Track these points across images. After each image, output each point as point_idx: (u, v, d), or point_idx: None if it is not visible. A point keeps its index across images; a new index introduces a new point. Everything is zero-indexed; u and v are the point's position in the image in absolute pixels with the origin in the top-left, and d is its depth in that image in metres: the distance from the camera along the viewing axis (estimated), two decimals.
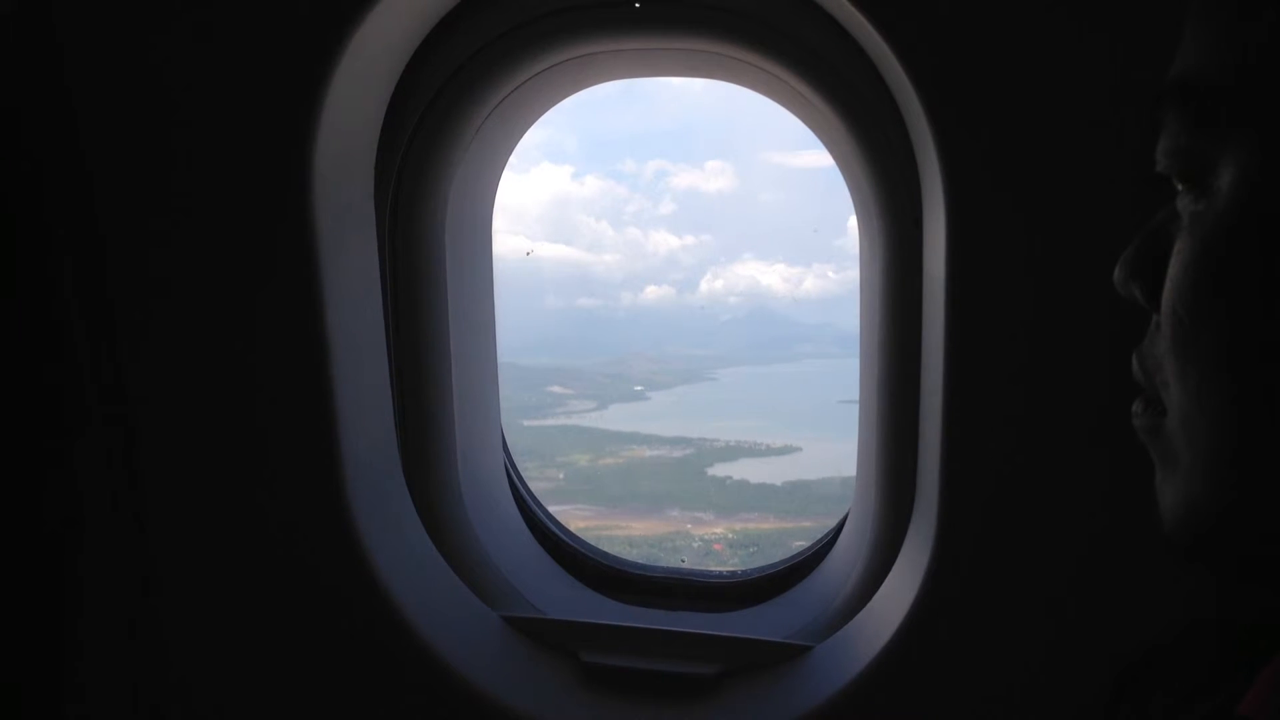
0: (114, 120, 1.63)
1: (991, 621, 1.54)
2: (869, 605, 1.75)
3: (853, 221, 1.88)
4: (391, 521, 1.81)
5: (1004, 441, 1.48)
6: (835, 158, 1.81)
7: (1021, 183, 1.40)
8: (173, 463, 1.75)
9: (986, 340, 1.46)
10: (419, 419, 1.94)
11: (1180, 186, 0.64)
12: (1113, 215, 1.33)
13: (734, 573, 2.07)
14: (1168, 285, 0.63)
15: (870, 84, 1.60)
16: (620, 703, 1.79)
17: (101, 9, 1.59)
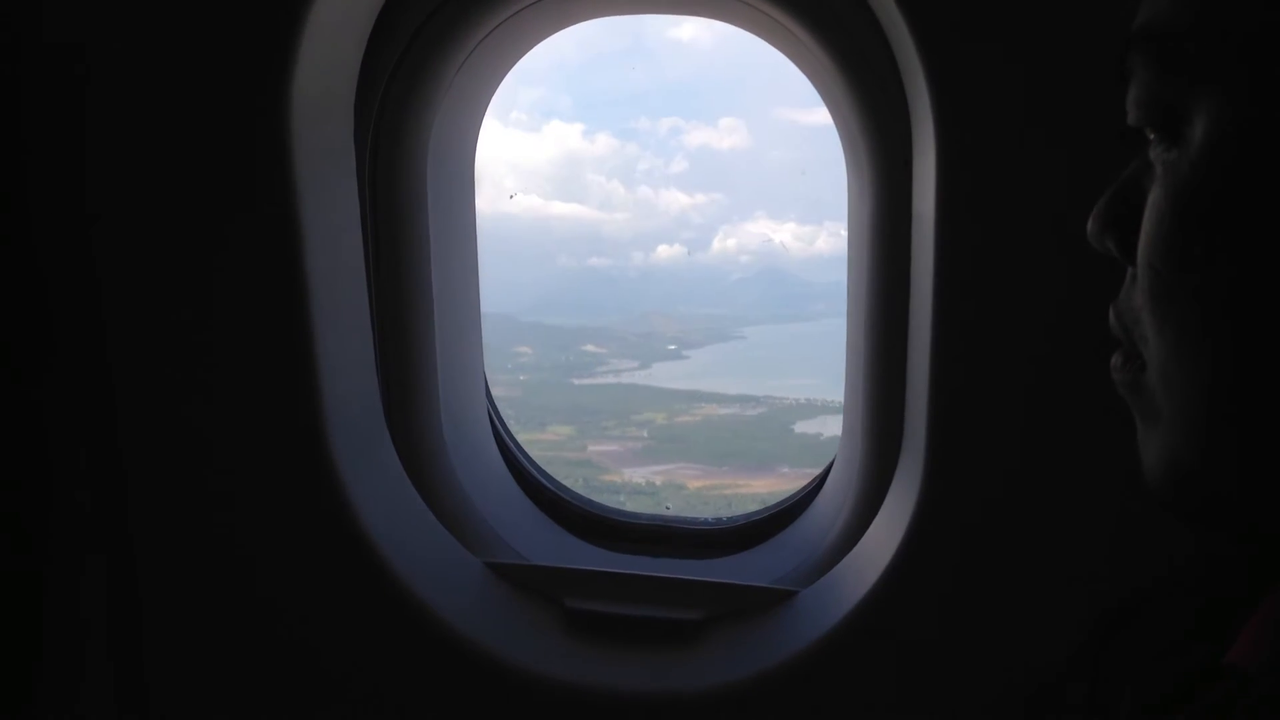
0: (82, 50, 1.58)
1: (978, 564, 1.55)
2: (854, 549, 1.76)
3: None
4: (374, 468, 1.79)
5: (992, 383, 1.48)
6: (824, 98, 1.78)
7: (1014, 124, 1.38)
8: (150, 415, 1.72)
9: (975, 282, 1.44)
10: (401, 365, 1.92)
11: (1151, 136, 0.63)
12: (1106, 158, 1.31)
13: (719, 519, 2.07)
14: (1142, 237, 0.62)
15: (862, 23, 1.57)
16: (604, 648, 1.79)
17: None
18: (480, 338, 2.17)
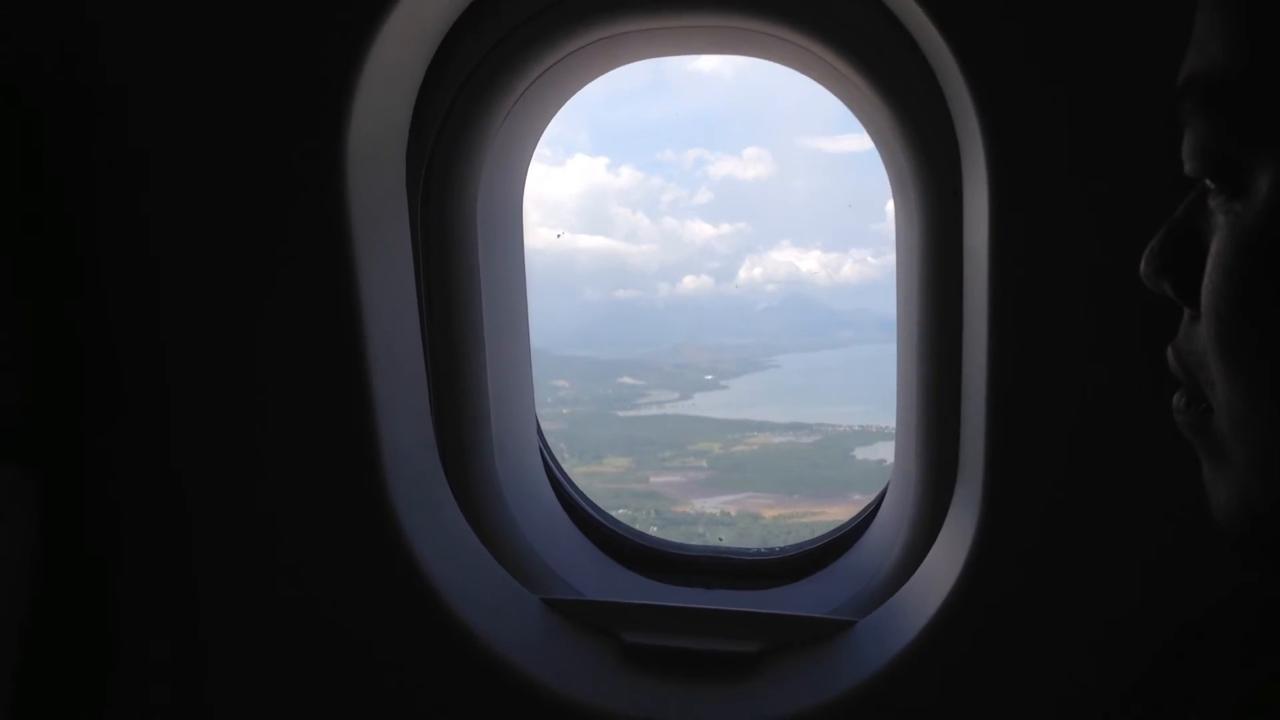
0: (142, 111, 1.63)
1: (1040, 592, 1.54)
2: (913, 578, 1.75)
3: (890, 205, 1.87)
4: (430, 508, 1.81)
5: (1049, 410, 1.48)
6: (869, 130, 1.80)
7: (1066, 150, 1.39)
8: (211, 457, 1.76)
9: (1030, 310, 1.45)
10: (455, 405, 1.94)
11: (1212, 186, 0.63)
12: (1162, 183, 1.32)
13: (772, 549, 2.07)
14: (1207, 286, 0.62)
15: (904, 53, 1.59)
16: (662, 682, 1.79)
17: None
18: (530, 376, 2.20)
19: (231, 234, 1.65)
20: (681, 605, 1.87)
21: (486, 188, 1.90)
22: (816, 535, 2.06)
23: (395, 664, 1.77)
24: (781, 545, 2.06)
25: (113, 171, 1.67)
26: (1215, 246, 0.62)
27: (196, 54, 1.59)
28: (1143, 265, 0.70)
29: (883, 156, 1.80)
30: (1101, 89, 1.36)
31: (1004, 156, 1.40)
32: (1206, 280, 0.63)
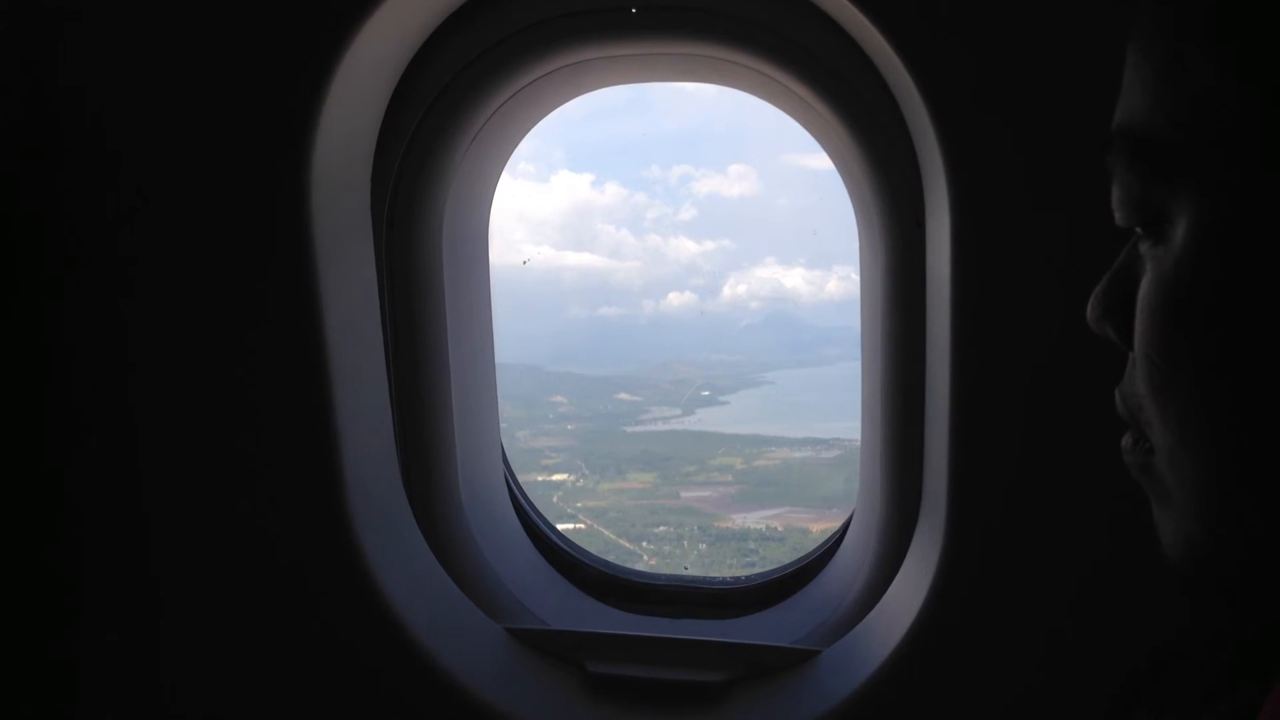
0: (108, 132, 1.62)
1: (1002, 621, 1.54)
2: (877, 607, 1.75)
3: None
4: (394, 537, 1.80)
5: (1011, 440, 1.48)
6: (833, 159, 1.81)
7: (1028, 181, 1.40)
8: (173, 481, 1.73)
9: (993, 340, 1.45)
10: (419, 433, 1.93)
11: (1139, 231, 0.65)
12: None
13: (738, 579, 2.07)
14: (1137, 329, 0.64)
15: (869, 84, 1.60)
16: (628, 712, 1.78)
17: (97, 17, 1.58)
18: (496, 405, 2.18)
19: (195, 259, 1.63)
20: (647, 635, 1.86)
21: (452, 212, 1.89)
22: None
23: (360, 695, 1.74)
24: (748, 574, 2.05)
25: (76, 191, 1.65)
26: (1141, 290, 0.64)
27: (162, 80, 1.58)
28: (1088, 309, 0.71)
29: (847, 186, 1.81)
30: (1062, 125, 1.37)
31: (967, 189, 1.41)
32: (1136, 324, 0.64)
